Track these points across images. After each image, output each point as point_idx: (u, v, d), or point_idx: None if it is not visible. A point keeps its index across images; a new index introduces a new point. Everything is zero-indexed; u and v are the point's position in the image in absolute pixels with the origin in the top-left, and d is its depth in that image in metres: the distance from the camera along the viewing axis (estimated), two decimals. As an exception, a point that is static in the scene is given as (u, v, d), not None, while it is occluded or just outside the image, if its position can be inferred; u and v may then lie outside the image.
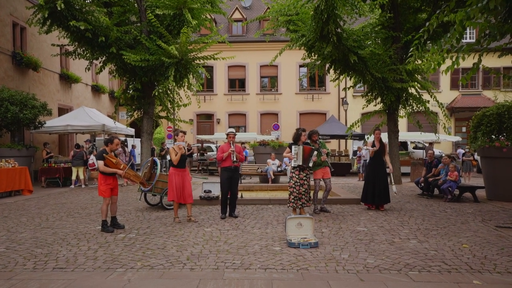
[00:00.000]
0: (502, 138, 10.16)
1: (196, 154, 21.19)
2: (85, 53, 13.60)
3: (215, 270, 4.53)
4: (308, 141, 7.86)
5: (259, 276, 4.30)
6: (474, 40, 6.90)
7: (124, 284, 4.04)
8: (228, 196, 7.63)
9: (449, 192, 9.84)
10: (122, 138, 19.89)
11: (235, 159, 7.46)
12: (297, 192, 7.30)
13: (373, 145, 8.75)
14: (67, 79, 19.13)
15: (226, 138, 7.70)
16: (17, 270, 4.53)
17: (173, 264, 4.73)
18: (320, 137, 8.43)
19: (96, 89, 22.64)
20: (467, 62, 7.79)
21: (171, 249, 5.40)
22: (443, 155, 12.60)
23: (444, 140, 21.82)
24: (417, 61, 10.00)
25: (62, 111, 18.67)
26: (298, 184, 7.31)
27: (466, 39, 24.49)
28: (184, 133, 7.50)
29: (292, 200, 7.34)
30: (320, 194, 8.45)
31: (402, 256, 5.05)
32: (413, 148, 21.51)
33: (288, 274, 4.37)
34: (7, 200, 10.37)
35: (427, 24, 6.10)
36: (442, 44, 5.82)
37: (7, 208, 9.01)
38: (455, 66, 5.83)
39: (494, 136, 10.25)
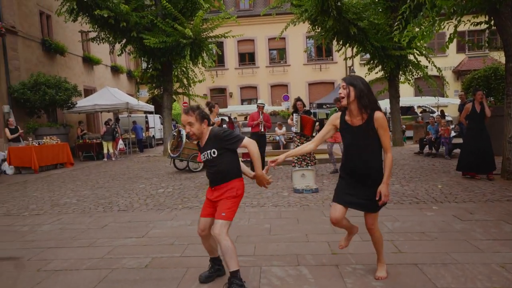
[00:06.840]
0: (492, 99, 11.17)
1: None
2: (108, 37, 14.90)
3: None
4: (308, 108, 9.12)
5: (271, 210, 5.75)
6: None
7: (173, 217, 5.54)
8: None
9: (446, 145, 10.69)
10: (142, 115, 21.40)
11: (262, 130, 8.88)
12: (299, 154, 8.58)
13: (473, 108, 7.51)
14: (89, 62, 20.54)
15: (256, 108, 9.17)
16: (92, 212, 6.08)
17: (206, 206, 6.20)
18: (328, 105, 9.60)
19: (115, 70, 24.04)
20: (462, 26, 7.95)
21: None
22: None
23: (449, 103, 22.67)
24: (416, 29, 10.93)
25: (87, 92, 20.18)
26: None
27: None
28: (217, 104, 8.92)
29: (295, 161, 8.52)
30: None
31: (384, 195, 6.42)
32: (420, 112, 22.46)
33: (293, 208, 5.81)
34: (55, 171, 12.01)
35: (408, 0, 7.27)
36: (417, 23, 6.99)
37: (59, 177, 10.63)
38: (431, 39, 7.09)
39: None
